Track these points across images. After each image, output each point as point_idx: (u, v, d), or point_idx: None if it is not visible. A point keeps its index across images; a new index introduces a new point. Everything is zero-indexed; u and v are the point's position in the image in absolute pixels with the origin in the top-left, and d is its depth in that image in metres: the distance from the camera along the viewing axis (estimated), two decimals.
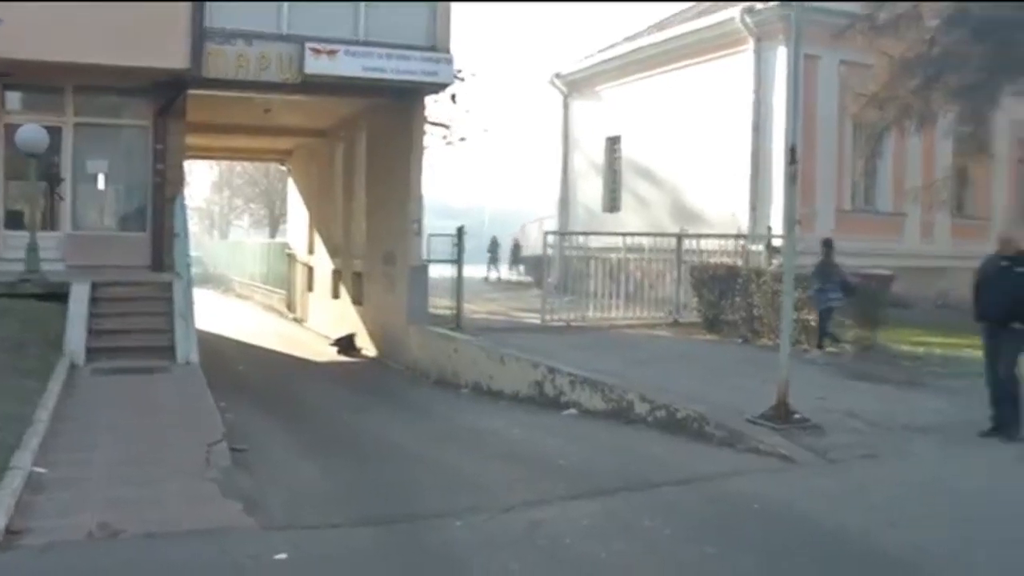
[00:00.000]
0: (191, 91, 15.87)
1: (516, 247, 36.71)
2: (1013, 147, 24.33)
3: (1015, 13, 18.16)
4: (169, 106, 16.02)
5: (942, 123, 20.66)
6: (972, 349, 14.42)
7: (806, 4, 10.54)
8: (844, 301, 14.20)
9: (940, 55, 18.60)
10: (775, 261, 15.68)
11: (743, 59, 21.56)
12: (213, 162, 48.20)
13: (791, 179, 10.26)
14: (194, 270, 16.22)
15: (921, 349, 14.39)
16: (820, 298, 14.19)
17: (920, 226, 22.86)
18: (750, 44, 21.39)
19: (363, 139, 21.02)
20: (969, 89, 19.14)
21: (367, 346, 19.53)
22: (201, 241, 50.71)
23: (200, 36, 15.21)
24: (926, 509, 7.31)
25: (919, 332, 15.41)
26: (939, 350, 14.32)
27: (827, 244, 14.85)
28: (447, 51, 16.70)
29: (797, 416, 9.50)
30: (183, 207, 15.99)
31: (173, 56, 15.05)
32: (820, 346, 14.13)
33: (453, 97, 27.35)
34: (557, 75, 29.10)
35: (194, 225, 49.26)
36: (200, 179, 55.98)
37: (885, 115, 19.80)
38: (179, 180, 16.80)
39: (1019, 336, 9.33)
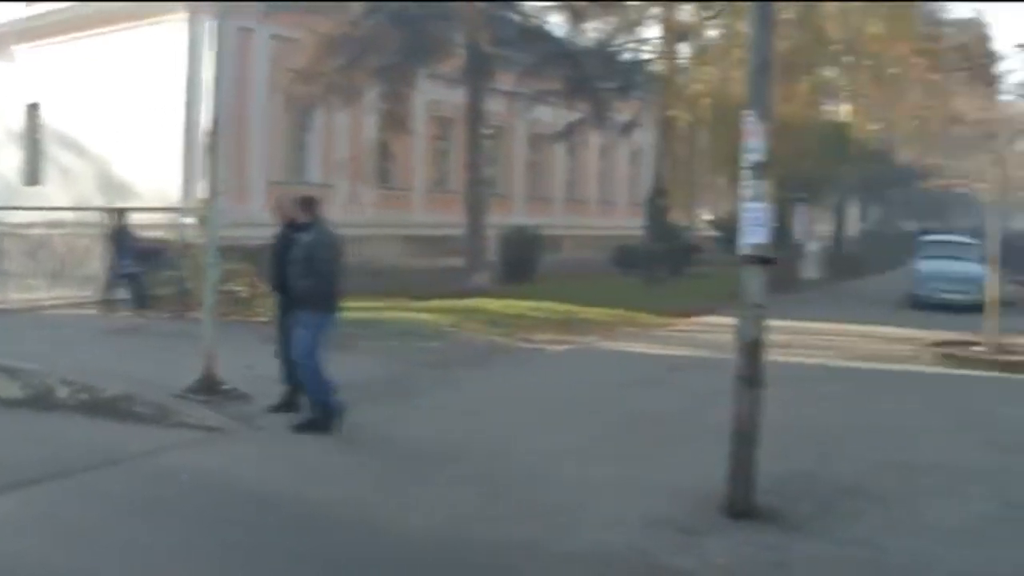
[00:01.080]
0: None
1: None
2: (429, 124, 26.68)
3: (423, 10, 19.96)
4: None
5: (367, 100, 22.05)
6: (391, 311, 15.72)
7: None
8: (141, 268, 14.90)
9: (363, 37, 19.79)
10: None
11: (176, 28, 21.08)
12: None
13: (212, 150, 10.34)
14: None
15: (348, 314, 15.16)
16: (117, 266, 15.00)
17: (348, 197, 24.11)
18: (184, 14, 20.99)
19: None
20: (388, 70, 20.66)
21: None
22: None
23: None
24: (348, 463, 7.88)
25: (347, 298, 16.17)
26: (363, 315, 15.21)
27: (118, 213, 15.51)
28: None
29: (225, 387, 9.60)
30: None
31: None
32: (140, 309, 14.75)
33: None
34: None
35: None
36: None
37: (313, 90, 20.63)
38: None
39: (300, 307, 8.96)
